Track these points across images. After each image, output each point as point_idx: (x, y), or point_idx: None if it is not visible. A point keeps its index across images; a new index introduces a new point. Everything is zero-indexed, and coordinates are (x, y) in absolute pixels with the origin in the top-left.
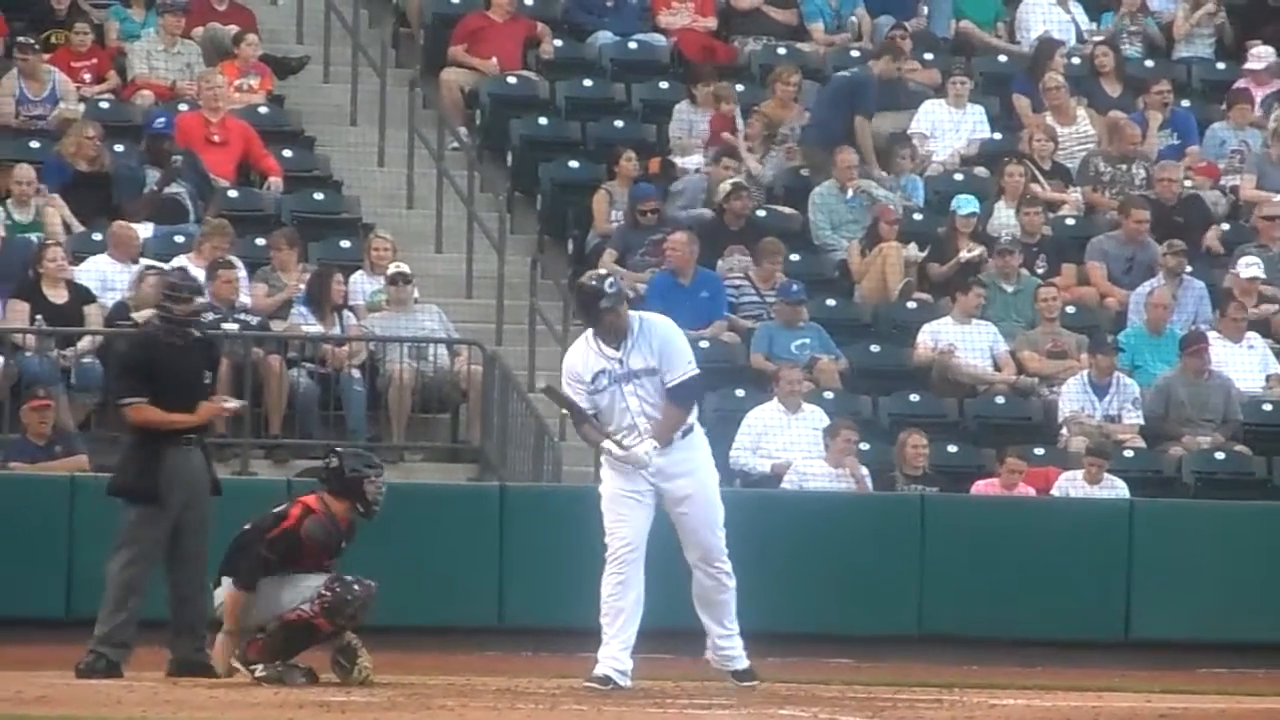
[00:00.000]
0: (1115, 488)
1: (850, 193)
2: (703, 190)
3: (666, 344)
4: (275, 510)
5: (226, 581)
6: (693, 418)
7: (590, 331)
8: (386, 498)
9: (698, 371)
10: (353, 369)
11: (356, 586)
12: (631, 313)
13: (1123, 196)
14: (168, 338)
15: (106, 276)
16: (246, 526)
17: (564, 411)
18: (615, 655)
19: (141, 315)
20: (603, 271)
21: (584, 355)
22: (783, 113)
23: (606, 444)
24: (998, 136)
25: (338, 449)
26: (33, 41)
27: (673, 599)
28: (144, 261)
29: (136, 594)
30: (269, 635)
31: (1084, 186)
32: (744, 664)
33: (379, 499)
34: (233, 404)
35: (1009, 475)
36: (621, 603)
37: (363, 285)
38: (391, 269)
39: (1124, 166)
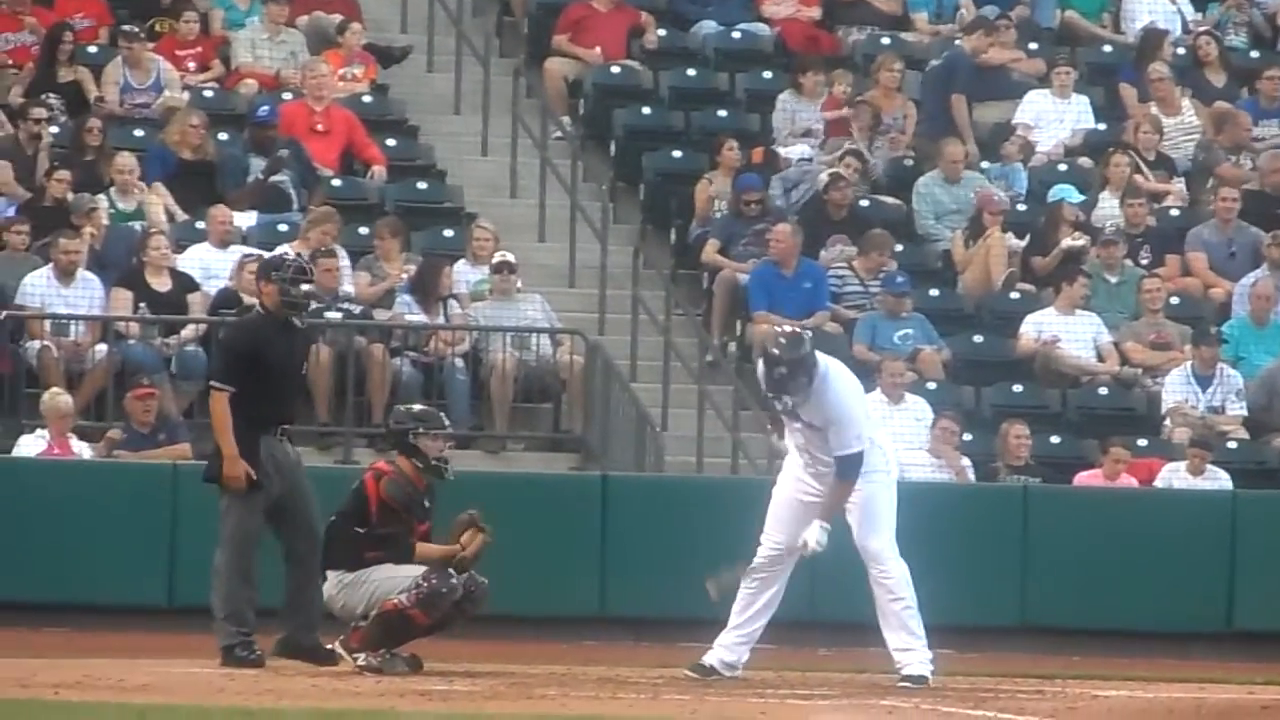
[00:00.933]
0: (1218, 479)
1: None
2: (813, 181)
3: (837, 413)
4: (353, 489)
5: (332, 576)
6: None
7: None
8: (488, 486)
9: (863, 448)
10: (456, 358)
11: (453, 579)
12: (821, 359)
13: (1213, 181)
14: (275, 323)
15: (208, 264)
16: (333, 517)
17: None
18: (730, 646)
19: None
20: (789, 329)
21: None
22: (887, 102)
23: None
24: (1102, 127)
25: (396, 408)
26: (138, 30)
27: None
28: (242, 249)
29: (248, 584)
30: (368, 625)
31: (1193, 178)
32: (913, 670)
33: (441, 456)
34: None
35: (1112, 466)
36: (755, 600)
37: (465, 275)
38: (496, 258)
39: (1233, 158)
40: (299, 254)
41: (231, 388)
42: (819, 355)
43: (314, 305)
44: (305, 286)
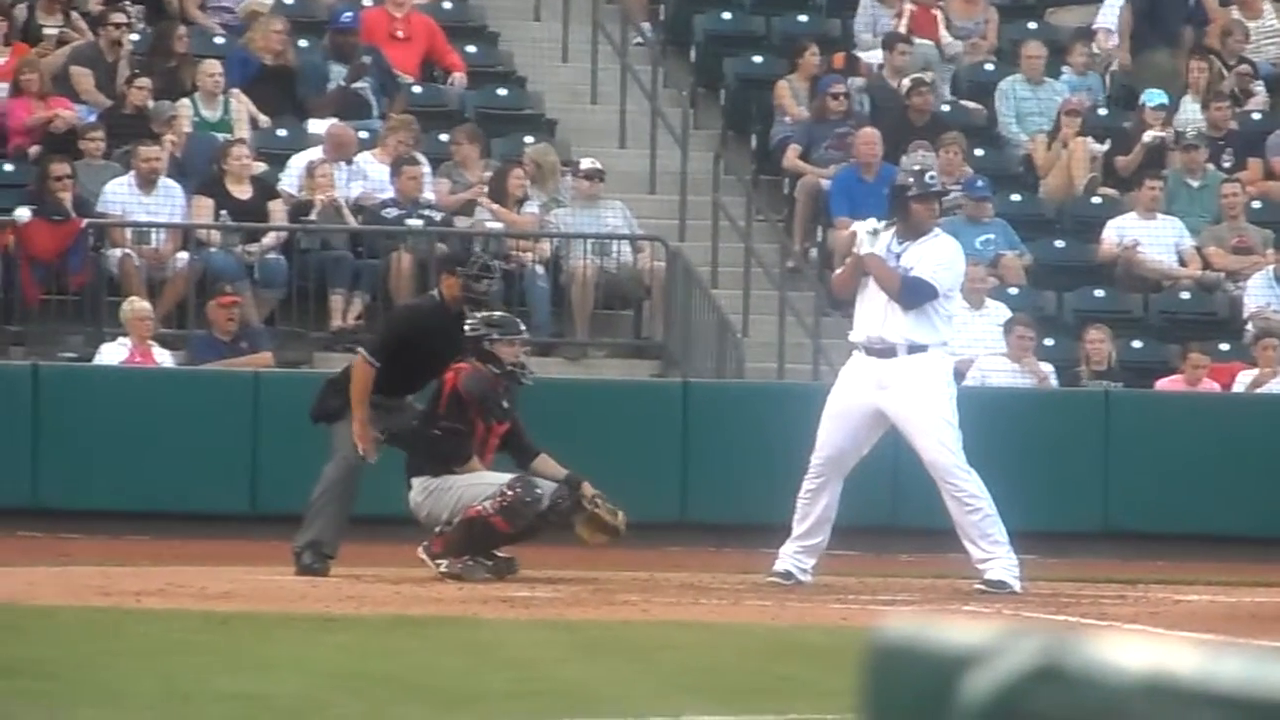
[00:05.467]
0: None
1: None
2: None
3: (937, 260)
4: (433, 390)
5: (417, 483)
6: (930, 339)
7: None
8: (569, 392)
9: (936, 287)
10: (537, 265)
11: (539, 489)
12: (939, 229)
13: None
14: (446, 314)
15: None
16: (414, 422)
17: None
18: (797, 554)
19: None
20: (922, 168)
21: (876, 235)
22: (970, 8)
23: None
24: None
25: (473, 315)
26: None
27: (863, 497)
28: (313, 156)
29: (348, 499)
30: (451, 531)
31: (1276, 80)
32: (995, 574)
33: (518, 362)
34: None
35: (1193, 371)
36: (811, 509)
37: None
38: (585, 164)
39: None
40: (483, 251)
41: (378, 363)
42: None
43: (395, 212)
44: (488, 283)
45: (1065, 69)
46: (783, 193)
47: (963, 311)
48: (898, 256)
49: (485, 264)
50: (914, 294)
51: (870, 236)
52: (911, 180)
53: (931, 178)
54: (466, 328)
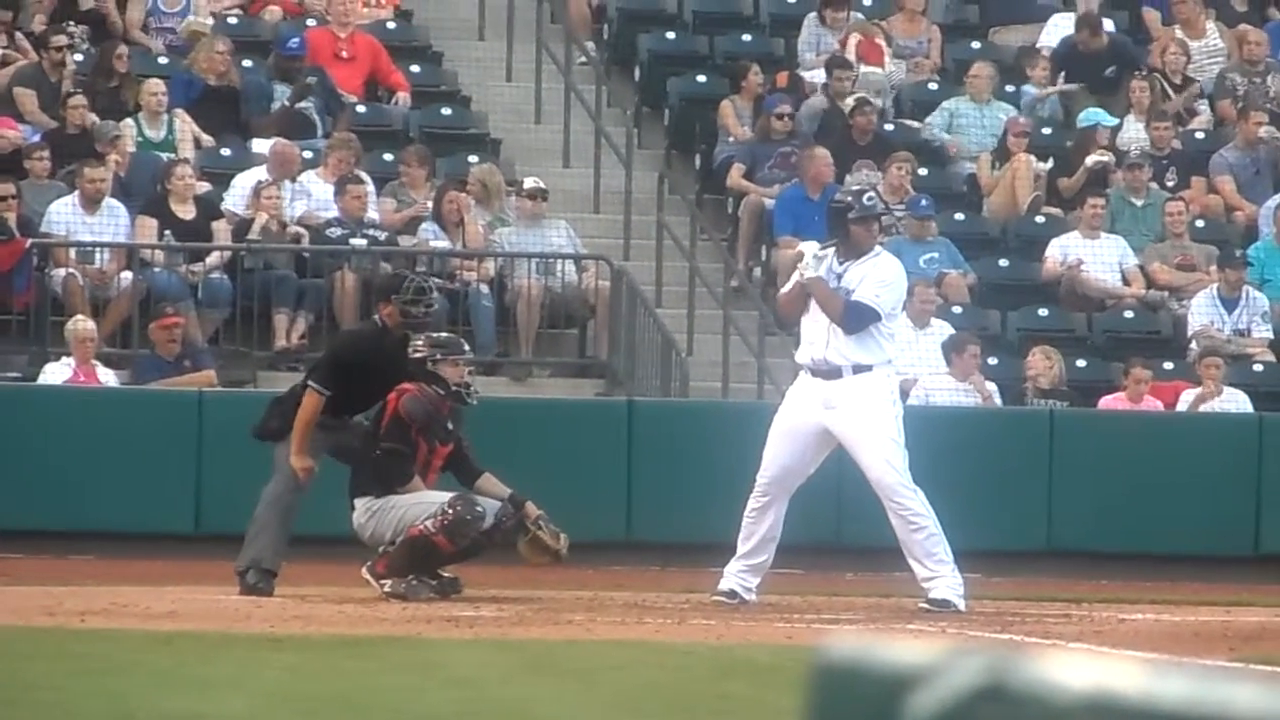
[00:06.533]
0: (1236, 402)
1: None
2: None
3: (879, 279)
4: (377, 409)
5: (360, 503)
6: (875, 359)
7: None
8: (513, 411)
9: (878, 310)
10: (481, 284)
11: (479, 508)
12: (880, 248)
13: (1242, 104)
14: (390, 339)
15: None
16: (358, 443)
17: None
18: (741, 573)
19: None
20: (861, 189)
21: (820, 261)
22: (911, 27)
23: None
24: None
25: (415, 337)
26: None
27: (808, 515)
28: (258, 175)
29: (289, 517)
30: (394, 551)
31: (1220, 101)
32: (939, 593)
33: (463, 382)
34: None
35: (1135, 387)
36: (756, 528)
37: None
38: (528, 184)
39: (1258, 80)
40: (418, 273)
41: (329, 392)
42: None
43: (339, 232)
44: (425, 307)
45: (1010, 88)
46: (727, 212)
47: (908, 331)
48: (839, 276)
49: (420, 286)
50: (857, 319)
51: (815, 261)
52: (850, 199)
53: (869, 199)
54: (410, 349)
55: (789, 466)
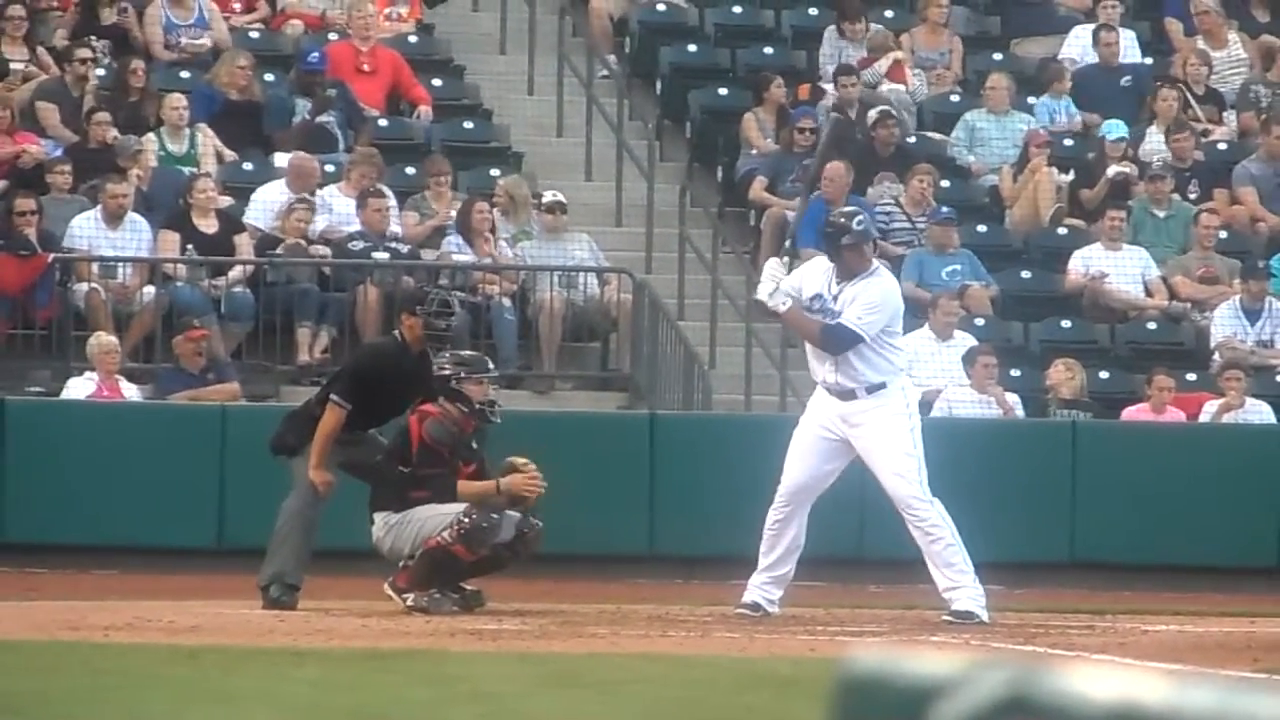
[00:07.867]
0: (1260, 413)
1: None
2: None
3: (869, 300)
4: (397, 430)
5: (379, 518)
6: (886, 375)
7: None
8: (536, 425)
9: (860, 333)
10: (503, 298)
11: (495, 515)
12: (878, 264)
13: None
14: (410, 354)
15: (276, 207)
16: (378, 458)
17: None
18: (764, 585)
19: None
20: (854, 210)
21: (816, 273)
22: (934, 39)
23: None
24: (1149, 61)
25: (440, 353)
26: None
27: (831, 528)
28: (283, 193)
29: (311, 531)
30: (414, 564)
31: (1243, 113)
32: (962, 605)
33: (487, 400)
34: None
35: (1158, 395)
36: (778, 540)
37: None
38: (547, 197)
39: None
40: (440, 287)
41: (349, 406)
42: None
43: (361, 245)
44: (448, 321)
45: (1031, 99)
46: (749, 225)
47: (931, 343)
48: (835, 297)
49: (444, 299)
50: (836, 342)
51: (771, 281)
52: (843, 221)
53: (860, 222)
54: (435, 366)
55: (809, 476)
